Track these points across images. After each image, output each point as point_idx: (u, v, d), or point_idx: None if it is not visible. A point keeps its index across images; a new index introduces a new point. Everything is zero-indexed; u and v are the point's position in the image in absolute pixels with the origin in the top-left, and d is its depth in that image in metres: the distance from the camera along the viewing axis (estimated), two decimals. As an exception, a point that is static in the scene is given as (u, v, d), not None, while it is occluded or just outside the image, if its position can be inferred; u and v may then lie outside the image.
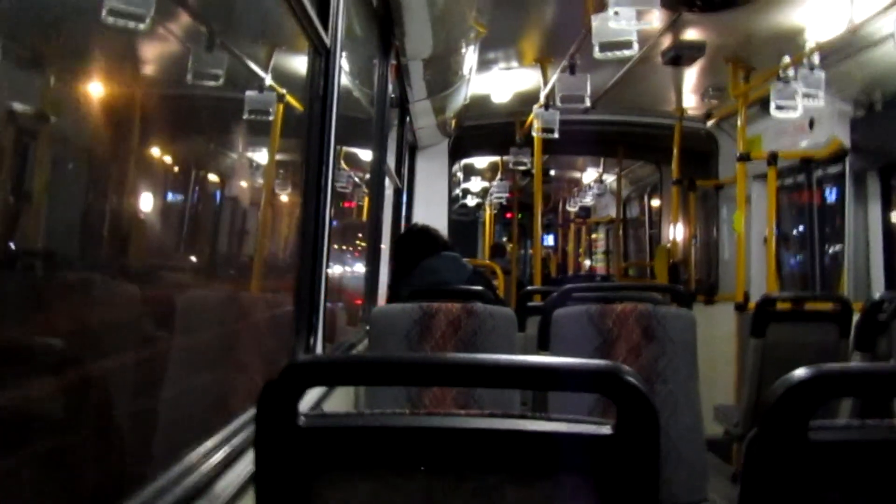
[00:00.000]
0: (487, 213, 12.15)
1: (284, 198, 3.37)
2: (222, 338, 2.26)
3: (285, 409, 0.93)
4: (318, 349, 2.12)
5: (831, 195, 5.53)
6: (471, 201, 13.01)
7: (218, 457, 1.32)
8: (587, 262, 15.04)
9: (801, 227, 5.98)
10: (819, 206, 5.65)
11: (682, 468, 2.51)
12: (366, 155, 3.99)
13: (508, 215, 12.87)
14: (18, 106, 1.32)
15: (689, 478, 2.52)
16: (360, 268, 4.73)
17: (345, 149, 4.97)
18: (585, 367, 0.94)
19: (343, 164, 5.07)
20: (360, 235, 5.76)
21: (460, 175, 10.30)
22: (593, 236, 14.64)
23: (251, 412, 1.12)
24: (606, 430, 0.92)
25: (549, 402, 2.58)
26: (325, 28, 2.08)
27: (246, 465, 1.36)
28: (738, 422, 4.00)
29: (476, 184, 11.75)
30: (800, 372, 0.93)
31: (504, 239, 14.63)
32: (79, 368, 1.35)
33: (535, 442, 0.94)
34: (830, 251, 5.55)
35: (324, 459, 0.95)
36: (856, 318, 3.54)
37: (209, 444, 1.36)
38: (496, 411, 0.97)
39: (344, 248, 6.00)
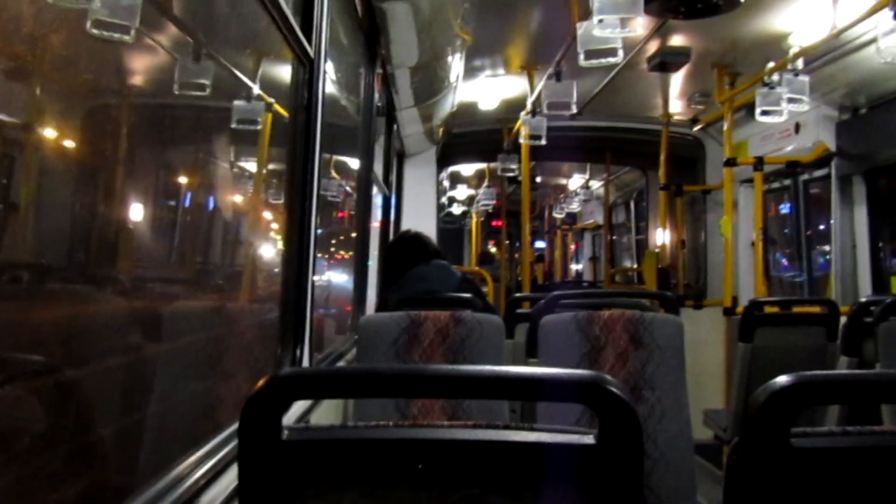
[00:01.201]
0: (474, 221, 12.17)
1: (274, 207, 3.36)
2: (211, 348, 2.25)
3: (268, 422, 0.93)
4: (305, 360, 2.12)
5: (817, 199, 5.57)
6: (456, 209, 13.01)
7: (203, 470, 1.32)
8: (573, 268, 15.10)
9: (788, 231, 6.01)
10: (805, 210, 5.68)
11: (670, 474, 2.51)
12: (356, 164, 3.99)
13: (494, 223, 12.89)
14: (4, 116, 1.32)
15: (677, 483, 2.52)
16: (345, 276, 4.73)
17: (335, 158, 4.98)
18: (567, 378, 0.94)
19: (333, 173, 5.07)
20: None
21: (446, 183, 10.30)
22: (579, 244, 14.71)
23: (237, 424, 1.12)
24: (590, 439, 0.92)
25: (537, 410, 2.58)
26: (309, 39, 2.08)
27: (231, 479, 1.36)
28: (726, 426, 4.01)
29: (462, 192, 11.75)
30: (782, 379, 0.94)
31: (490, 244, 14.65)
32: (71, 379, 1.34)
33: (518, 452, 0.94)
34: (817, 255, 5.58)
35: (308, 473, 0.94)
36: (843, 321, 3.55)
37: (194, 457, 1.36)
38: (480, 422, 0.97)
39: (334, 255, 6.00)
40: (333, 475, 0.95)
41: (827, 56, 4.29)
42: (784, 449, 0.93)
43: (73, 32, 1.53)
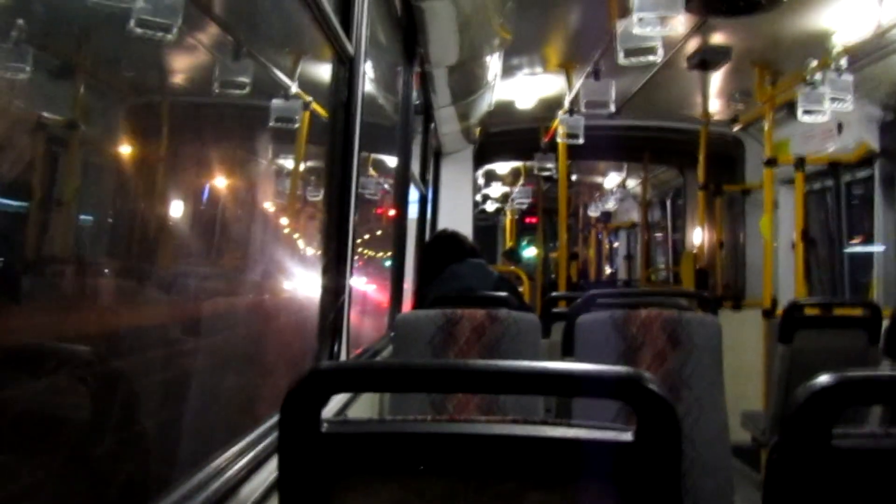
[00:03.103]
0: (508, 219, 12.11)
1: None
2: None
3: (308, 415, 0.94)
4: (343, 355, 2.14)
5: (860, 200, 5.47)
6: (490, 206, 12.97)
7: (243, 462, 1.34)
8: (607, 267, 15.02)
9: (829, 232, 5.92)
10: (847, 211, 5.59)
11: (707, 476, 2.49)
12: (394, 161, 4.01)
13: (528, 219, 12.84)
14: (50, 114, 1.35)
15: (714, 485, 2.50)
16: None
17: (373, 156, 5.01)
18: (606, 374, 0.94)
19: (371, 171, 5.10)
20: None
21: (481, 181, 10.29)
22: (615, 245, 14.62)
23: (276, 417, 1.14)
24: (628, 436, 0.92)
25: (572, 408, 2.57)
26: (349, 36, 2.10)
27: (271, 470, 1.38)
28: (765, 428, 3.96)
29: (496, 189, 11.71)
30: (824, 378, 0.93)
31: (524, 243, 14.59)
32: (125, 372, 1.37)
33: (556, 448, 0.94)
34: (859, 256, 5.49)
35: (346, 465, 0.96)
36: (885, 323, 3.49)
37: (235, 448, 1.38)
38: (518, 417, 0.97)
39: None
40: (372, 468, 0.96)
41: (871, 55, 4.22)
42: (825, 449, 0.92)
43: (116, 31, 1.56)
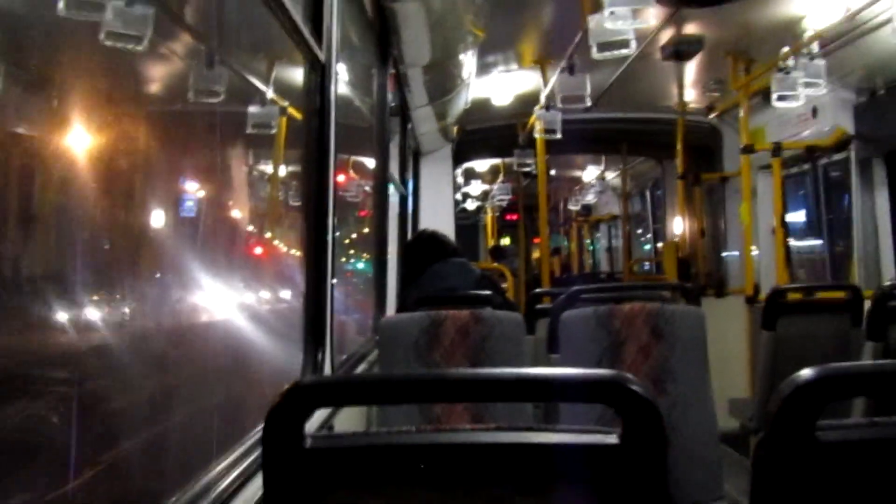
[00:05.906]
0: (489, 216, 12.11)
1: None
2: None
3: (291, 431, 0.93)
4: (327, 365, 2.12)
5: (837, 183, 5.51)
6: (471, 205, 12.96)
7: (229, 479, 1.32)
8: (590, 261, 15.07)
9: (808, 217, 5.96)
10: (826, 195, 5.63)
11: (696, 467, 2.49)
12: (374, 163, 4.00)
13: (508, 216, 12.85)
14: (23, 127, 1.34)
15: (704, 476, 2.50)
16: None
17: (353, 158, 4.99)
18: (587, 378, 0.93)
19: (352, 174, 5.09)
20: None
21: (461, 179, 10.28)
22: (596, 236, 14.68)
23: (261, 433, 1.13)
24: (613, 439, 0.92)
25: (560, 408, 2.57)
26: (320, 43, 2.08)
27: (257, 487, 1.36)
28: (752, 415, 3.98)
29: (476, 187, 11.70)
30: (806, 372, 0.93)
31: (504, 241, 14.58)
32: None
33: (541, 454, 0.93)
34: (839, 240, 5.53)
35: (331, 479, 0.95)
36: (867, 306, 3.51)
37: (221, 466, 1.36)
38: (502, 425, 0.97)
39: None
40: (357, 482, 0.95)
41: (842, 39, 4.25)
42: (809, 443, 0.92)
43: (87, 44, 1.54)
